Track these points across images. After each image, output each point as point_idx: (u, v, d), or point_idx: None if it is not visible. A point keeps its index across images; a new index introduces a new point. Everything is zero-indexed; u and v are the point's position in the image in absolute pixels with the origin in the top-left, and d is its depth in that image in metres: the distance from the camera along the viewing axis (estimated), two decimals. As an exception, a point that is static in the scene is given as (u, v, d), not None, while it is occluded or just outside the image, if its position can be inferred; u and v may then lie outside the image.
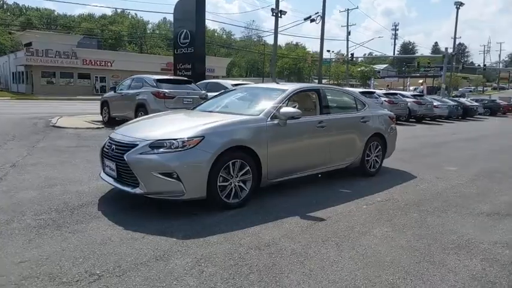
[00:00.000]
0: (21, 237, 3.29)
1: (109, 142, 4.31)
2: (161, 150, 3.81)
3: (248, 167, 4.19)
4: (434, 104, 20.03)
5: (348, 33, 45.14)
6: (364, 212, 4.27)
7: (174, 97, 10.40)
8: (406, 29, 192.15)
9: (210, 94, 11.60)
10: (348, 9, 45.37)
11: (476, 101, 27.46)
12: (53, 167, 5.96)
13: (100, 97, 13.41)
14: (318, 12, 25.51)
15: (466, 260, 3.12)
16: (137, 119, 5.03)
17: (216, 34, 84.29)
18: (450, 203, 4.69)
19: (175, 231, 3.52)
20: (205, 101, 5.75)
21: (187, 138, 3.85)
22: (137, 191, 3.84)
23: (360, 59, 49.61)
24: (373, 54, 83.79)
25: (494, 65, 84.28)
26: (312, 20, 25.60)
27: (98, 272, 2.74)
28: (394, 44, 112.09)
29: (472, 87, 74.80)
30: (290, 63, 70.35)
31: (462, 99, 26.16)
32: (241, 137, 4.18)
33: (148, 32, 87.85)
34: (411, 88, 63.16)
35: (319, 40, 26.56)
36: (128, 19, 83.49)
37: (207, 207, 4.05)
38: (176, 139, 3.83)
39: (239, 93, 5.79)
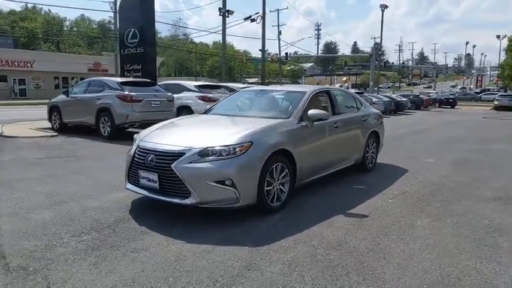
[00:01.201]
0: (82, 262, 2.99)
1: (141, 151, 4.05)
2: (212, 157, 3.70)
3: (287, 170, 4.24)
4: (373, 100, 21.58)
5: (279, 32, 46.71)
6: (394, 205, 4.56)
7: (141, 100, 9.89)
8: (327, 28, 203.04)
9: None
10: (278, 10, 46.85)
11: (404, 96, 30.11)
12: (43, 181, 5.40)
13: (48, 101, 12.22)
14: (258, 12, 26.00)
15: (513, 241, 3.52)
16: (158, 125, 4.72)
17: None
18: (457, 192, 5.18)
19: (239, 240, 3.45)
20: (215, 104, 5.61)
21: (238, 144, 3.78)
22: (188, 201, 3.68)
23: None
24: (299, 53, 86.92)
25: (406, 62, 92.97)
26: (253, 20, 26.00)
27: (202, 289, 2.63)
28: (318, 44, 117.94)
29: (390, 84, 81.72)
30: (221, 62, 70.22)
31: (393, 96, 28.49)
32: (281, 141, 4.21)
33: (66, 29, 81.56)
34: (337, 86, 67.01)
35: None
36: (41, 15, 76.65)
37: (248, 213, 4.00)
38: (228, 145, 3.74)
39: (253, 96, 5.76)
